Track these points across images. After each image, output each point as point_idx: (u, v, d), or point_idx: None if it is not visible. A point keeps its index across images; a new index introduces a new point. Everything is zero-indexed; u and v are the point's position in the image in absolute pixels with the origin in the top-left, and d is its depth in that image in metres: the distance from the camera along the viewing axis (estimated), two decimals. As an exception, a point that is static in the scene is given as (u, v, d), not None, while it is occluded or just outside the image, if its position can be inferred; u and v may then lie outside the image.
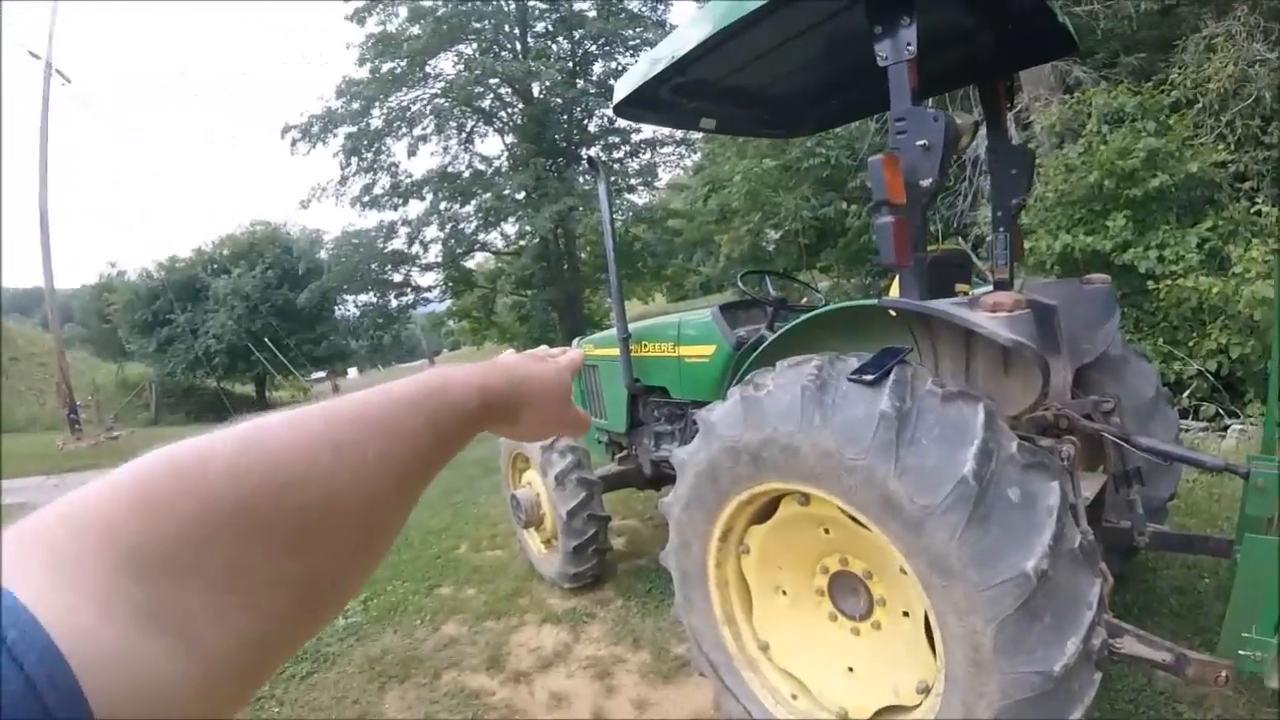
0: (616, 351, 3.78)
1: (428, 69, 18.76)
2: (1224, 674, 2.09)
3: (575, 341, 4.47)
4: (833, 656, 2.44)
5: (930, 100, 3.80)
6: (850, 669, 2.41)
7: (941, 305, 2.08)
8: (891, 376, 1.91)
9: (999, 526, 1.76)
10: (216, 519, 0.35)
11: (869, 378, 1.91)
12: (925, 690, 2.12)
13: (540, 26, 20.12)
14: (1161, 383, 3.23)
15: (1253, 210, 5.81)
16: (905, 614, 2.20)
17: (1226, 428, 5.46)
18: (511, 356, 0.72)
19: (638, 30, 19.39)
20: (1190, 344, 5.62)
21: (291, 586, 0.39)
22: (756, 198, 10.56)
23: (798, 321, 2.51)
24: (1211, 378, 5.56)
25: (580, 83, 19.47)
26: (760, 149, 10.45)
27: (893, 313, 2.30)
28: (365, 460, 0.44)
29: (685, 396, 3.67)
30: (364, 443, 0.45)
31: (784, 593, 2.55)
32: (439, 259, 20.56)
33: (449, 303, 23.43)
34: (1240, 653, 2.06)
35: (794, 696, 2.48)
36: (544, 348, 0.83)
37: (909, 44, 2.10)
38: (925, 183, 2.12)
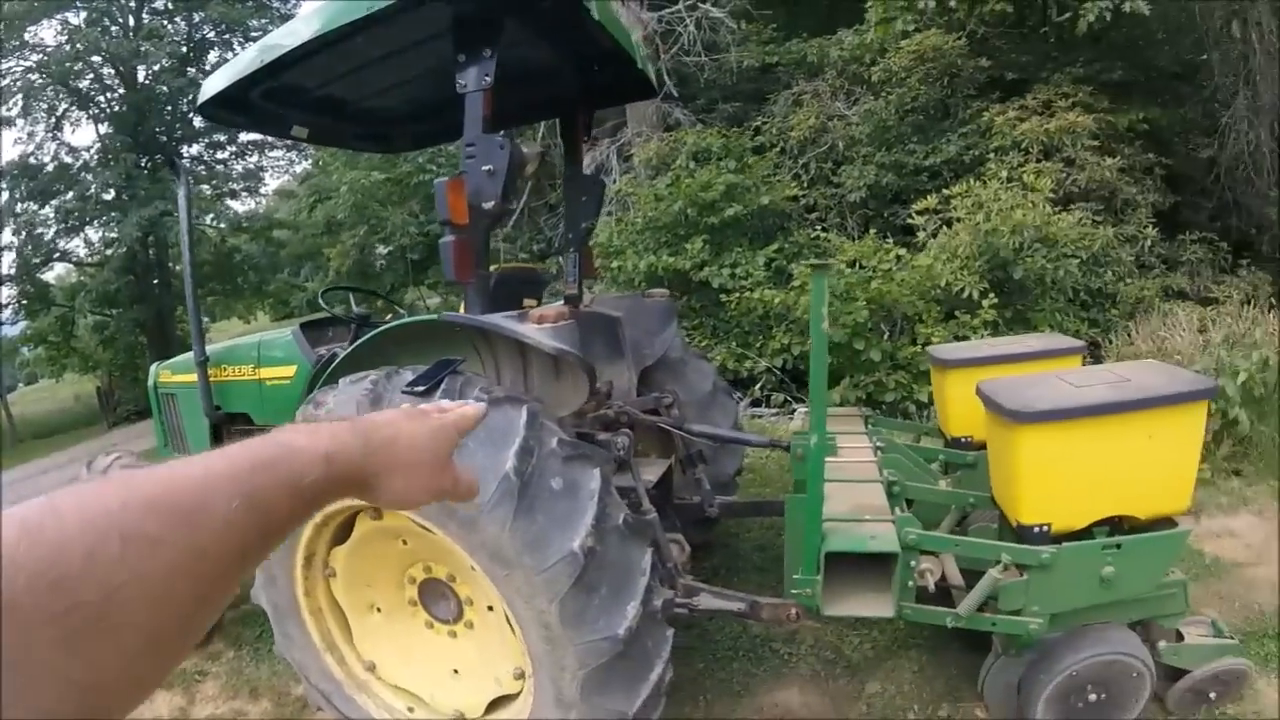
0: (195, 377, 3.44)
1: (26, 36, 15.32)
2: (793, 611, 2.51)
3: (153, 368, 3.94)
4: (437, 662, 2.51)
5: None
6: (456, 671, 2.49)
7: (494, 319, 2.24)
8: (442, 386, 2.02)
9: (545, 515, 1.95)
10: None
11: (421, 389, 2.00)
12: (522, 675, 2.27)
13: (160, 2, 17.48)
14: (727, 378, 3.85)
15: (813, 236, 7.27)
16: (490, 608, 2.34)
17: (794, 411, 6.72)
18: (379, 414, 0.66)
19: (263, 21, 17.74)
20: (759, 345, 6.80)
21: (68, 685, 0.37)
22: (364, 211, 10.47)
23: (365, 338, 2.52)
24: (779, 372, 6.79)
25: (192, 71, 17.18)
26: (371, 161, 10.33)
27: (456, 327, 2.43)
28: (156, 555, 0.40)
29: (269, 422, 3.45)
30: (156, 537, 0.40)
31: (378, 609, 2.55)
32: (11, 271, 16.65)
33: (23, 325, 18.95)
34: (793, 592, 2.47)
35: (410, 710, 2.51)
36: (442, 401, 0.76)
37: (487, 75, 2.23)
38: (487, 205, 2.26)
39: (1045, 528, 2.51)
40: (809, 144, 7.95)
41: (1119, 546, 2.51)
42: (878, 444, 3.35)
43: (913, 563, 2.57)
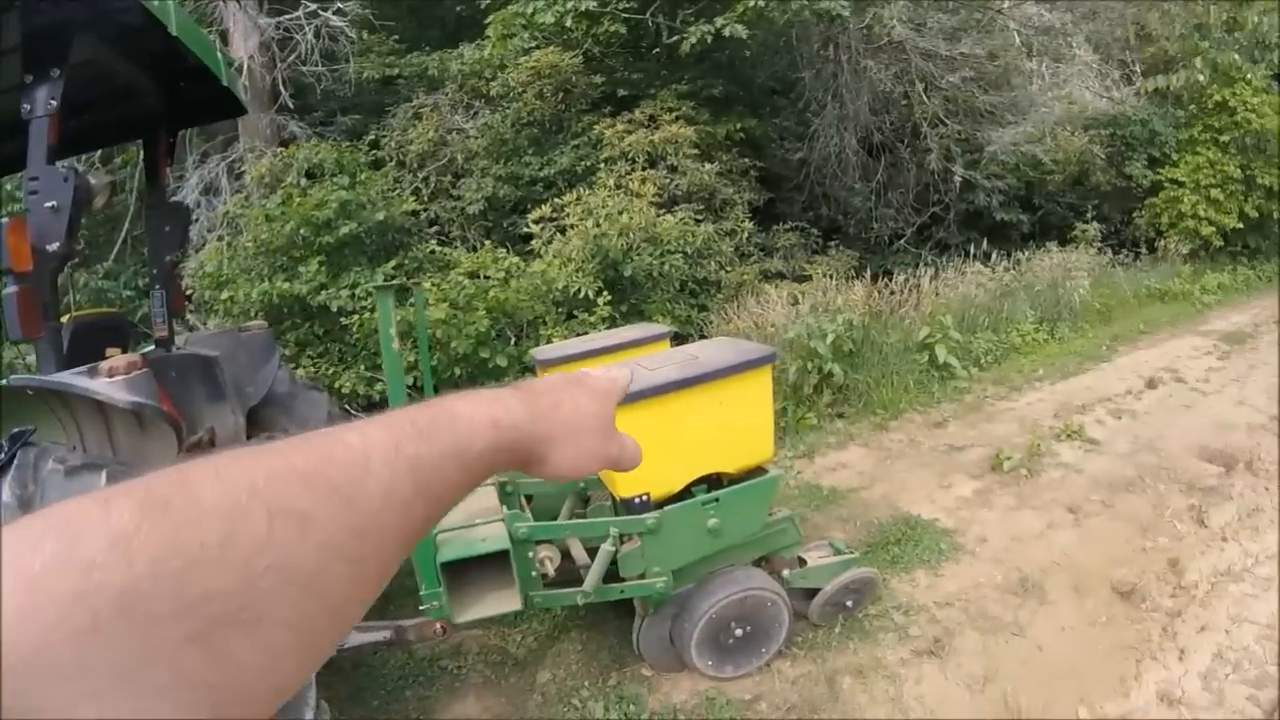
0: None
1: None
2: (438, 626, 2.48)
3: None
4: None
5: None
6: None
7: (61, 378, 1.99)
8: (15, 462, 1.72)
9: None
10: (99, 603, 0.29)
11: None
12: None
13: None
14: (359, 404, 3.66)
15: (430, 250, 7.19)
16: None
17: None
18: (539, 380, 0.60)
19: None
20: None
21: (201, 689, 0.31)
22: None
23: None
24: (410, 392, 6.64)
25: None
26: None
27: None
28: (307, 535, 0.35)
29: None
30: (308, 513, 0.35)
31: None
32: None
33: None
34: (422, 608, 2.46)
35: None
36: (582, 370, 0.66)
37: (54, 99, 1.93)
38: (53, 247, 1.96)
39: (644, 497, 2.74)
40: (428, 157, 7.94)
41: (718, 500, 2.81)
42: None
43: (531, 554, 2.67)
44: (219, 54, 2.74)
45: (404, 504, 0.40)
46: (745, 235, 8.07)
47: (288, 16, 8.50)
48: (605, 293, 6.65)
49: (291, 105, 8.47)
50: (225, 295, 6.56)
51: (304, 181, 7.03)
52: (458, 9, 9.95)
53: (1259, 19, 10.28)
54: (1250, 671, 3.14)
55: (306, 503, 0.36)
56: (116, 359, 2.16)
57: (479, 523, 2.68)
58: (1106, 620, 3.52)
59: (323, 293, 6.51)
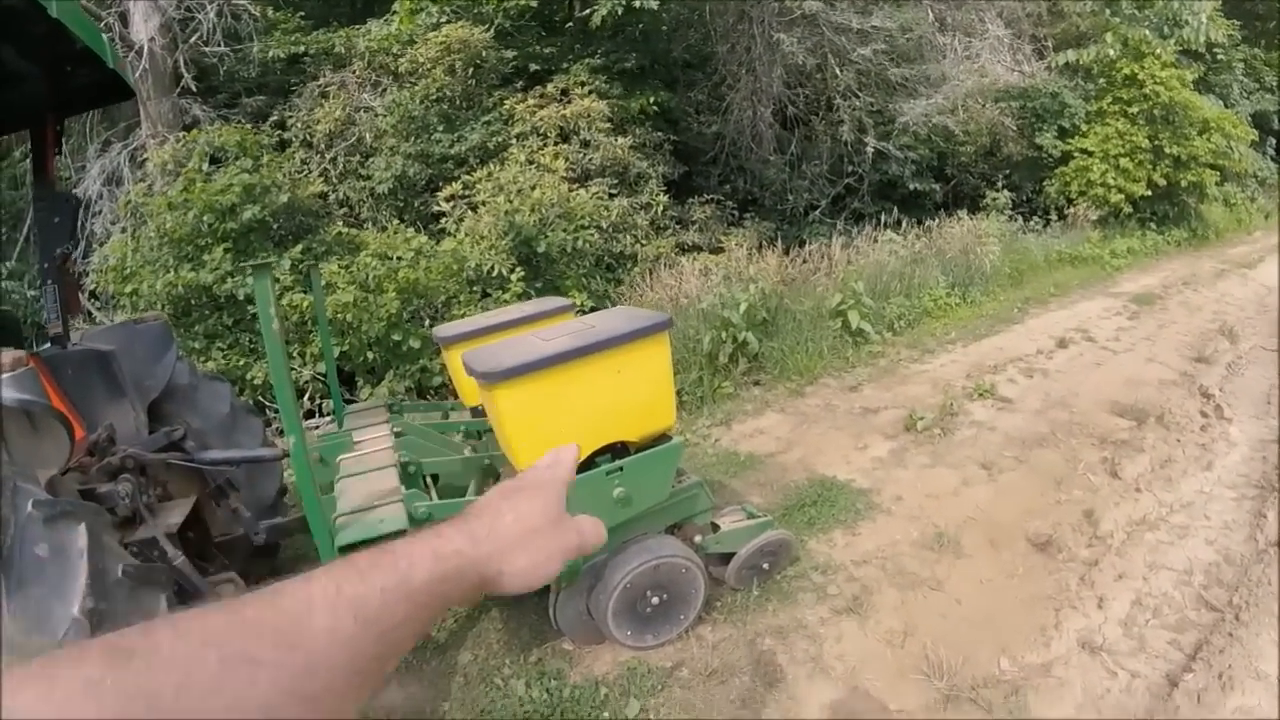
0: None
1: None
2: None
3: None
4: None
5: None
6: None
7: None
8: None
9: (39, 586, 1.78)
10: None
11: None
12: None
13: None
14: (273, 395, 3.59)
15: (337, 232, 7.28)
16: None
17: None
18: (475, 503, 0.61)
19: None
20: (300, 353, 6.70)
21: None
22: None
23: None
24: (324, 379, 6.76)
25: None
26: None
27: None
28: (256, 679, 0.38)
29: None
30: (255, 658, 0.39)
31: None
32: None
33: None
34: None
35: None
36: (524, 471, 0.70)
37: None
38: None
39: None
40: (336, 137, 8.00)
41: (621, 469, 2.83)
42: (396, 430, 3.45)
43: None
44: (104, 36, 2.70)
45: (349, 639, 0.43)
46: (660, 209, 8.35)
47: (190, -4, 8.43)
48: (519, 270, 6.83)
49: (195, 88, 8.39)
50: (130, 289, 6.55)
51: (207, 167, 7.03)
52: (366, -17, 9.97)
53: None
54: (1170, 616, 3.23)
55: (254, 648, 0.39)
56: (1, 356, 2.19)
57: (378, 505, 2.67)
58: (1024, 572, 3.61)
59: (229, 281, 6.57)
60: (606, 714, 2.87)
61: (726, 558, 3.37)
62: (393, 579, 0.48)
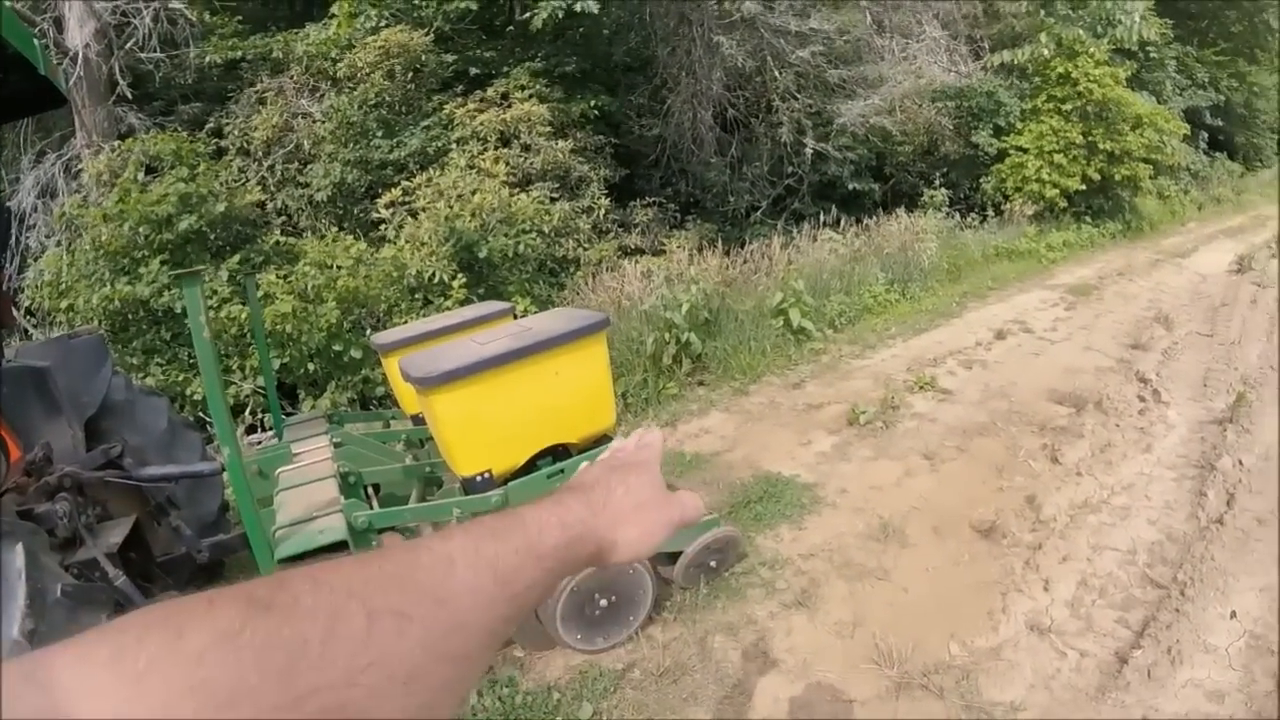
0: None
1: None
2: None
3: None
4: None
5: None
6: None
7: None
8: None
9: None
10: (205, 698, 0.30)
11: None
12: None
13: None
14: (192, 415, 3.53)
15: (275, 241, 7.29)
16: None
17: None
18: (584, 477, 0.64)
19: None
20: (240, 367, 6.70)
21: None
22: None
23: None
24: (263, 392, 6.78)
25: None
26: None
27: None
28: (405, 633, 0.38)
29: None
30: (404, 612, 0.38)
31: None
32: None
33: None
34: None
35: None
36: (613, 447, 0.75)
37: None
38: None
39: (487, 474, 2.76)
40: (274, 144, 8.00)
41: (562, 471, 2.83)
42: (335, 441, 3.45)
43: (375, 543, 2.69)
44: (37, 42, 2.63)
45: (489, 601, 0.44)
46: (602, 212, 8.51)
47: (125, 1, 8.35)
48: (461, 276, 6.90)
49: (130, 95, 8.30)
50: (66, 304, 6.49)
51: (142, 176, 6.99)
52: (304, -14, 9.94)
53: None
54: (1116, 596, 3.29)
55: (402, 602, 0.39)
56: None
57: (317, 515, 2.65)
58: (969, 558, 3.67)
59: (166, 294, 6.53)
60: (560, 718, 2.89)
61: (674, 557, 3.37)
62: (524, 542, 0.49)
